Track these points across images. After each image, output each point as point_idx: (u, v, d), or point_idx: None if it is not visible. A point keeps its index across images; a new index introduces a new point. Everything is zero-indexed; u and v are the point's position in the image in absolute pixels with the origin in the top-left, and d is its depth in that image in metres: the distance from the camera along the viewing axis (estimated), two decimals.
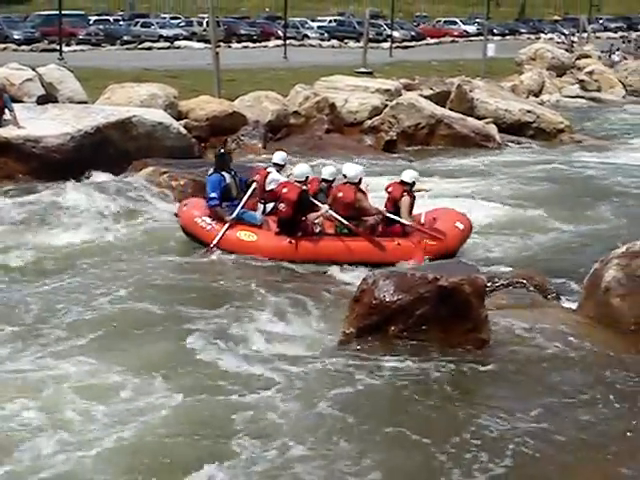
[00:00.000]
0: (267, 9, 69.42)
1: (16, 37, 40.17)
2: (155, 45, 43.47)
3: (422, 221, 11.49)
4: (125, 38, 44.78)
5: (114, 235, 12.18)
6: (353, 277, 10.35)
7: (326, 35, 54.05)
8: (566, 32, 55.78)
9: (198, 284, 10.17)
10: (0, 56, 28.86)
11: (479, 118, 22.98)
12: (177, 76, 26.07)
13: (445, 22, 66.68)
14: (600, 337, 8.36)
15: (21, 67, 19.39)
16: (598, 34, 62.46)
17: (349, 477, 6.01)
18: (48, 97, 17.67)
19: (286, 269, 10.82)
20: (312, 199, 11.19)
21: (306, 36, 53.01)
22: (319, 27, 57.20)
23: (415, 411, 6.92)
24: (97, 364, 7.70)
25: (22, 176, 14.74)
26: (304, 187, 11.15)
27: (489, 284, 9.19)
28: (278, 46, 42.60)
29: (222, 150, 12.44)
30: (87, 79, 21.52)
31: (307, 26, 56.47)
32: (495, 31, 61.78)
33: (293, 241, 10.98)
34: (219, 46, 24.66)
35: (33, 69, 19.24)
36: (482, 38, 40.66)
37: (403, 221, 11.16)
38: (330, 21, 60.89)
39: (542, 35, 58.69)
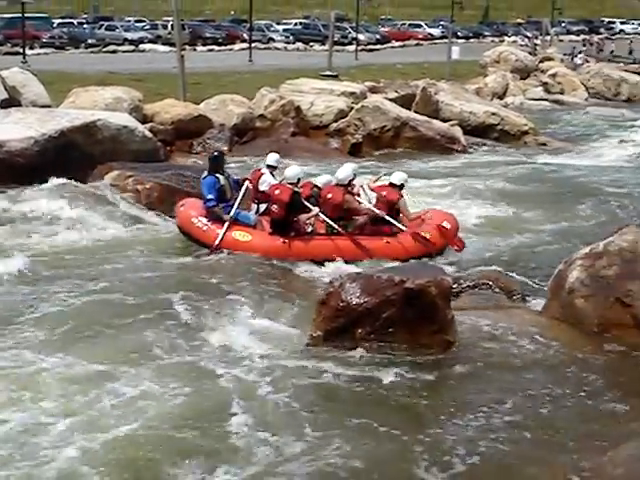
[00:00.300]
0: (232, 12, 69.42)
1: None
2: (120, 48, 43.29)
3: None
4: (89, 41, 44.59)
5: (82, 239, 12.06)
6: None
7: (291, 38, 54.16)
8: (529, 35, 56.19)
9: (182, 282, 10.23)
10: None
11: (444, 120, 23.07)
12: (142, 79, 25.98)
13: (410, 25, 67.06)
14: (565, 338, 8.45)
15: None
16: (561, 37, 63.07)
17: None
18: (11, 101, 17.49)
19: (277, 268, 10.96)
20: (304, 201, 11.46)
21: (271, 39, 53.09)
22: (284, 30, 57.33)
23: (381, 411, 6.95)
24: (69, 359, 7.75)
25: None
26: (295, 189, 11.41)
27: (455, 286, 9.27)
28: (243, 49, 42.67)
29: (217, 153, 12.45)
30: (51, 82, 21.32)
31: (272, 29, 56.56)
32: (459, 34, 62.37)
33: (286, 241, 11.25)
34: (184, 49, 24.63)
35: None
36: (446, 41, 40.96)
37: (395, 223, 11.46)
38: (295, 24, 61.04)
39: (506, 38, 59.08)
